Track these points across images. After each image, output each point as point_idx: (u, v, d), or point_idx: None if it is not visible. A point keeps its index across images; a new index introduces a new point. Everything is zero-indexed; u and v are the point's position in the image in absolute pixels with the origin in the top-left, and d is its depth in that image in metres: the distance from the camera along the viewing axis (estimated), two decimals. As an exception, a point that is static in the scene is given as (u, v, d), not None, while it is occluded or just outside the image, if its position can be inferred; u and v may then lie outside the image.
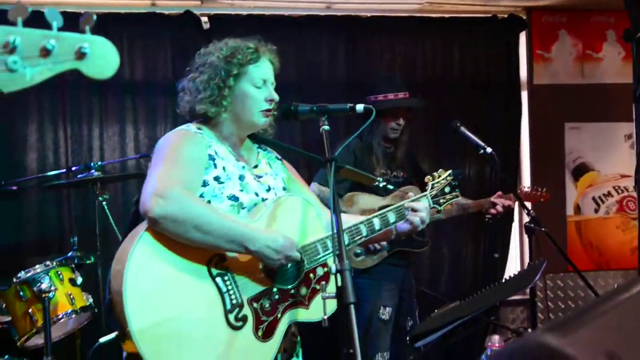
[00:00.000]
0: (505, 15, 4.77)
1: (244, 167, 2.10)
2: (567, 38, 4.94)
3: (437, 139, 4.59)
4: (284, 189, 2.21)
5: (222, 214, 1.90)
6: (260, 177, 2.14)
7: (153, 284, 1.80)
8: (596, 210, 4.92)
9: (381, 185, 2.71)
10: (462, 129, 3.35)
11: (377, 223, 2.18)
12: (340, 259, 1.67)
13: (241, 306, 1.91)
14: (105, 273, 3.53)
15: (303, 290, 2.04)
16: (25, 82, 1.13)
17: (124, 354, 1.92)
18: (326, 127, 1.98)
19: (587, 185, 4.91)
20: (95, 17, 1.21)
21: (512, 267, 4.79)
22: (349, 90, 4.48)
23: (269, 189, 2.12)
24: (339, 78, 4.53)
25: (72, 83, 3.99)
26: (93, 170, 3.55)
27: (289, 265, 2.01)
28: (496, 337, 2.07)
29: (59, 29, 1.19)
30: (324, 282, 1.99)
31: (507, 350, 0.75)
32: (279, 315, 1.98)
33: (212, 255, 1.90)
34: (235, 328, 1.89)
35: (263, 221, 2.01)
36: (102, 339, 2.27)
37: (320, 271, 2.08)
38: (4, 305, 3.04)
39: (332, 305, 1.88)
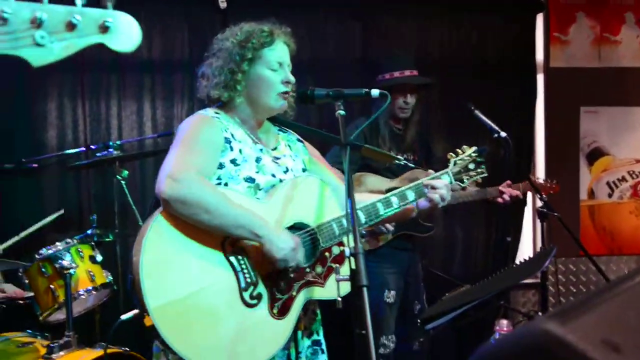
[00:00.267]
0: (523, -4, 4.74)
1: (261, 149, 2.14)
2: (585, 20, 4.90)
3: (450, 121, 4.57)
4: (304, 170, 2.25)
5: (233, 201, 1.94)
6: (278, 158, 2.18)
7: (168, 263, 1.87)
8: (610, 195, 4.92)
9: (402, 163, 2.71)
10: (477, 112, 3.37)
11: (394, 201, 2.20)
12: (355, 243, 1.71)
13: (255, 284, 1.96)
14: (123, 251, 3.61)
15: (319, 269, 2.08)
16: (53, 55, 1.18)
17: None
18: (342, 112, 2.01)
19: (601, 169, 4.90)
20: None
21: (525, 251, 4.82)
22: (363, 71, 4.47)
23: (286, 170, 2.16)
24: (353, 59, 4.53)
25: (90, 61, 4.04)
26: (112, 149, 3.60)
27: (304, 244, 2.05)
28: (504, 322, 2.11)
29: (83, 6, 1.23)
30: (337, 265, 2.03)
31: (511, 336, 0.79)
32: (294, 293, 2.02)
33: (226, 235, 1.95)
34: (250, 306, 1.94)
35: (279, 201, 2.05)
36: (123, 316, 2.33)
37: (336, 250, 2.12)
38: (26, 281, 3.11)
39: (345, 287, 1.92)
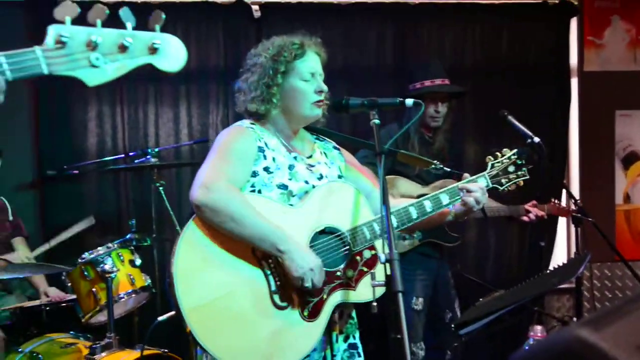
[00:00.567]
0: (557, 1, 4.70)
1: (295, 157, 2.20)
2: (620, 23, 4.85)
3: (484, 127, 4.57)
4: (340, 177, 2.29)
5: (260, 213, 1.99)
6: (312, 166, 2.23)
7: (200, 267, 1.95)
8: (646, 200, 4.86)
9: (438, 167, 2.71)
10: (510, 117, 3.34)
11: (428, 205, 2.21)
12: (390, 249, 1.75)
13: (286, 287, 2.01)
14: (160, 255, 3.70)
15: (350, 273, 2.11)
16: (107, 76, 1.27)
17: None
18: (376, 121, 2.04)
19: (637, 174, 4.84)
20: (163, 15, 1.33)
21: (559, 256, 4.78)
22: (397, 78, 4.49)
23: (320, 177, 2.21)
24: (387, 66, 4.56)
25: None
26: (149, 156, 3.70)
27: (335, 248, 2.10)
28: (538, 327, 2.11)
29: (132, 29, 1.32)
30: (373, 271, 2.06)
31: (544, 342, 0.82)
32: (325, 296, 2.06)
33: None
34: (281, 308, 2.00)
35: (312, 206, 2.11)
36: (160, 318, 2.41)
37: (367, 254, 2.15)
38: (69, 285, 3.21)
39: (377, 290, 1.97)
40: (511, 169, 2.35)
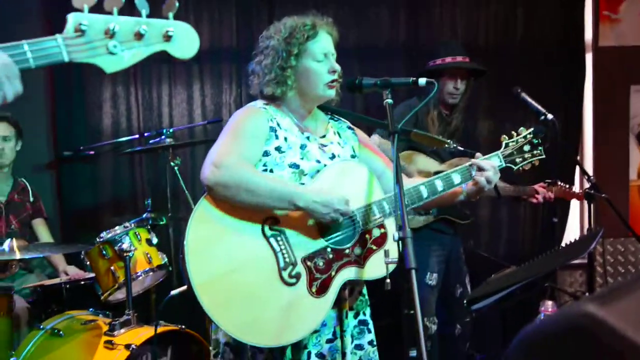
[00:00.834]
0: (572, -24, 4.67)
1: (308, 137, 2.23)
2: (637, -3, 4.80)
3: (498, 104, 4.56)
4: (353, 156, 2.32)
5: (271, 177, 2.05)
6: (325, 145, 2.25)
7: (210, 243, 1.99)
8: (660, 175, 4.84)
9: (452, 147, 2.71)
10: (523, 95, 3.35)
11: (439, 184, 2.23)
12: (403, 227, 1.77)
13: (294, 264, 2.05)
14: (176, 233, 3.76)
15: (357, 250, 2.15)
16: (124, 62, 1.30)
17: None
18: (389, 101, 2.06)
19: (651, 149, 4.83)
20: (177, 4, 1.35)
21: (572, 231, 4.79)
22: (410, 57, 4.50)
23: (333, 157, 2.23)
24: (400, 44, 4.54)
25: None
26: (164, 137, 3.73)
27: (344, 226, 2.13)
28: (549, 303, 2.13)
29: (147, 16, 1.34)
30: (387, 249, 2.09)
31: (553, 317, 0.85)
32: (333, 273, 2.10)
33: (265, 217, 2.05)
34: (289, 284, 2.04)
35: (324, 184, 2.13)
36: (173, 292, 2.47)
37: (376, 232, 2.18)
38: (88, 263, 3.27)
39: (389, 267, 2.03)
40: (526, 148, 2.34)
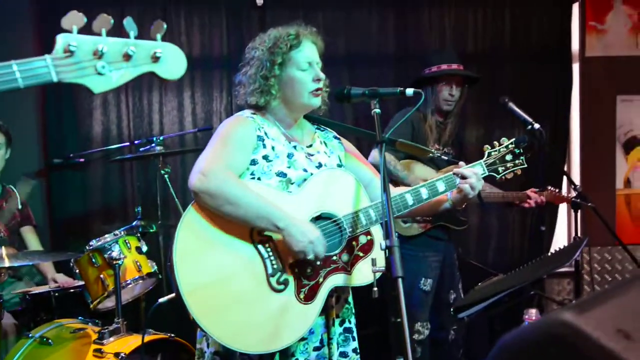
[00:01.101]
0: (558, -14, 4.72)
1: (295, 146, 2.25)
2: (623, 8, 4.87)
3: (486, 112, 4.61)
4: (339, 166, 2.34)
5: (257, 194, 2.05)
6: (312, 155, 2.28)
7: (199, 251, 2.00)
8: (646, 184, 4.90)
9: (436, 156, 2.75)
10: (511, 104, 3.38)
11: (424, 192, 2.26)
12: (390, 236, 1.79)
13: (282, 271, 2.07)
14: (166, 241, 3.76)
15: (345, 257, 2.17)
16: (112, 83, 1.32)
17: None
18: (377, 111, 2.08)
19: (637, 158, 4.87)
20: (165, 25, 1.38)
21: (560, 240, 4.83)
22: (399, 64, 4.54)
23: (319, 166, 2.26)
24: (389, 52, 4.58)
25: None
26: (154, 144, 3.74)
27: (331, 233, 2.15)
28: (533, 311, 2.16)
29: (135, 38, 1.36)
30: (374, 257, 2.12)
31: (532, 325, 0.87)
32: (321, 280, 2.12)
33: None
34: (277, 291, 2.05)
35: (311, 193, 2.16)
36: (161, 299, 2.48)
37: (363, 239, 2.21)
38: (77, 271, 3.27)
39: (370, 276, 2.05)
40: (509, 157, 2.39)
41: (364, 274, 2.17)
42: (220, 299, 1.98)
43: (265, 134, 2.21)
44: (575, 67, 4.81)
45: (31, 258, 3.13)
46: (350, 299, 2.33)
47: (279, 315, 2.04)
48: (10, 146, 3.79)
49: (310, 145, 2.32)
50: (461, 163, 2.34)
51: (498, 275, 2.52)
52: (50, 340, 3.03)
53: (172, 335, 3.04)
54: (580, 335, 0.82)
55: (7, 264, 2.88)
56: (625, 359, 0.79)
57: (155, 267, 3.39)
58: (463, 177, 2.26)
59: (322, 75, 2.24)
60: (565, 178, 4.55)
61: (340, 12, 4.52)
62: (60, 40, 1.24)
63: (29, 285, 3.70)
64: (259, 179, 2.15)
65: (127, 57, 1.30)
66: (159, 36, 1.34)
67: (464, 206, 2.42)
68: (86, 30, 1.27)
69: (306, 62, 2.22)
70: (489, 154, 2.39)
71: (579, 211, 3.38)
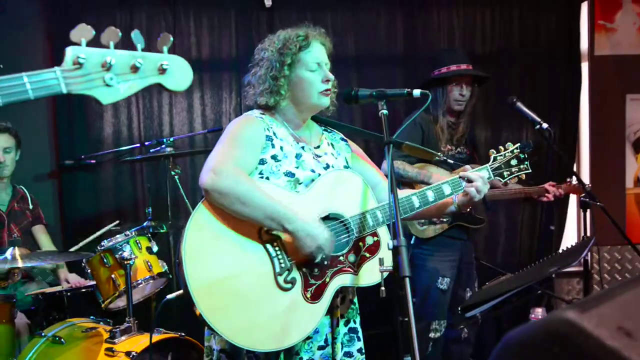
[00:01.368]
0: (567, -15, 4.72)
1: (303, 147, 2.27)
2: (631, 7, 4.85)
3: (495, 111, 4.62)
4: (346, 167, 2.36)
5: (267, 194, 2.06)
6: (319, 156, 2.30)
7: (208, 248, 2.02)
8: (657, 183, 4.88)
9: (441, 160, 2.78)
10: (519, 104, 3.39)
11: (430, 195, 2.28)
12: (397, 236, 1.81)
13: (290, 270, 2.09)
14: (176, 241, 3.78)
15: (351, 258, 2.19)
16: (119, 95, 1.35)
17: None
18: (385, 112, 2.10)
19: (647, 157, 4.87)
20: (172, 38, 1.40)
21: (570, 239, 4.82)
22: (407, 65, 4.55)
23: (327, 167, 2.28)
24: (398, 52, 4.60)
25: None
26: (165, 146, 3.78)
27: (339, 233, 2.16)
28: (539, 310, 2.17)
29: (142, 50, 1.39)
30: (382, 257, 2.13)
31: (535, 324, 0.88)
32: (327, 280, 2.14)
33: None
34: (285, 289, 2.07)
35: (319, 193, 2.17)
36: (169, 296, 2.50)
37: (369, 240, 2.22)
38: (89, 271, 3.31)
39: (377, 276, 2.09)
40: (513, 162, 2.42)
41: (370, 274, 2.19)
42: (228, 297, 2.00)
43: (274, 133, 2.23)
44: (585, 66, 4.80)
45: (44, 259, 3.16)
46: (355, 299, 2.35)
47: (286, 314, 2.06)
48: (19, 148, 3.83)
49: (318, 147, 2.34)
50: (467, 167, 2.35)
51: (506, 275, 2.53)
52: (62, 340, 3.07)
53: (183, 334, 3.07)
54: (582, 333, 0.82)
55: (20, 264, 2.91)
56: (626, 357, 0.80)
57: (166, 267, 3.42)
58: (469, 181, 2.28)
59: (331, 76, 2.26)
60: (574, 177, 4.55)
61: (348, 13, 4.54)
62: (70, 52, 1.27)
63: (40, 285, 3.74)
64: (267, 178, 2.17)
65: (135, 69, 1.32)
66: (165, 48, 1.37)
67: (468, 210, 2.44)
68: (94, 43, 1.29)
69: (315, 62, 2.24)
70: (495, 159, 2.42)
71: (588, 210, 3.39)
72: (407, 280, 1.72)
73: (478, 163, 3.59)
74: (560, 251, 2.13)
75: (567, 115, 4.72)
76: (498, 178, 2.40)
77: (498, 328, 4.09)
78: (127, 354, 2.85)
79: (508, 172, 2.41)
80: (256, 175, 2.18)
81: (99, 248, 3.25)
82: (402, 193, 2.29)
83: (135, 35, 1.33)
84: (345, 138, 2.47)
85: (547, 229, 4.64)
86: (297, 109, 2.28)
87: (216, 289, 1.99)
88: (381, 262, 2.03)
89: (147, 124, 4.40)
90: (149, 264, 3.28)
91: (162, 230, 3.69)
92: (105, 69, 1.29)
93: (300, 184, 2.19)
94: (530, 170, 2.42)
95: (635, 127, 4.85)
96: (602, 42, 4.82)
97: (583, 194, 3.83)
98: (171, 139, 3.80)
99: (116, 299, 3.27)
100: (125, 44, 1.34)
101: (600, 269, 4.62)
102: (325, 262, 2.12)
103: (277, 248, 2.09)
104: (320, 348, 2.21)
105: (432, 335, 3.60)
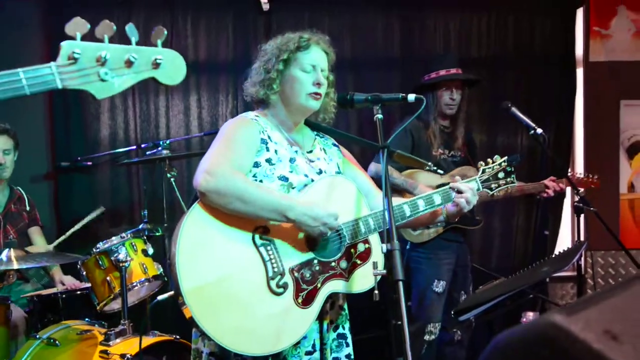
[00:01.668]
0: (562, -9, 4.75)
1: (296, 151, 2.28)
2: (626, 13, 4.89)
3: (490, 117, 4.64)
4: (338, 173, 2.37)
5: (264, 187, 2.09)
6: (312, 161, 2.30)
7: (201, 250, 2.01)
8: (650, 189, 4.91)
9: (432, 169, 2.81)
10: (513, 109, 3.42)
11: (421, 204, 2.30)
12: (391, 240, 1.82)
13: (282, 274, 2.09)
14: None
15: (343, 264, 2.19)
16: (114, 89, 1.35)
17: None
18: (379, 116, 2.12)
19: (641, 163, 4.90)
20: (165, 31, 1.41)
21: (564, 244, 4.84)
22: (404, 68, 4.57)
23: (320, 172, 2.28)
24: (394, 55, 4.62)
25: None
26: (161, 148, 3.78)
27: (331, 239, 2.17)
28: (530, 314, 2.18)
29: (136, 44, 1.40)
30: (375, 260, 2.14)
31: (523, 327, 0.90)
32: (319, 285, 2.14)
33: (256, 226, 2.09)
34: (277, 294, 2.07)
35: (313, 197, 2.17)
36: (160, 297, 2.50)
37: (361, 247, 2.24)
38: (84, 273, 3.31)
39: (370, 281, 2.09)
40: (501, 175, 2.45)
41: (362, 281, 2.20)
42: (219, 299, 2.00)
43: (269, 137, 2.23)
44: (579, 72, 4.83)
45: (39, 260, 3.17)
46: (345, 305, 2.35)
47: (278, 318, 2.06)
48: (17, 149, 3.84)
49: (311, 151, 2.35)
50: (457, 177, 2.38)
51: (500, 279, 2.55)
52: (57, 342, 3.07)
53: (178, 337, 3.07)
54: (569, 337, 0.84)
55: (15, 266, 2.92)
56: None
57: (161, 270, 3.42)
58: (459, 192, 2.31)
59: (323, 81, 2.26)
60: (569, 179, 4.57)
61: (346, 17, 4.56)
62: (65, 47, 1.27)
63: (36, 287, 3.74)
64: (260, 181, 2.18)
65: (129, 63, 1.33)
66: (159, 42, 1.37)
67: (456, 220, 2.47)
68: (89, 36, 1.30)
69: (310, 64, 2.25)
70: (483, 171, 2.45)
71: (582, 215, 3.41)
72: (401, 284, 1.74)
73: (473, 165, 3.61)
74: (553, 256, 2.14)
75: (562, 121, 4.75)
76: (486, 190, 2.43)
77: (490, 332, 4.10)
78: (122, 356, 2.85)
79: (496, 185, 2.44)
80: (250, 178, 2.18)
81: (94, 250, 3.25)
82: (394, 201, 2.30)
83: (130, 29, 1.33)
84: (337, 143, 2.48)
85: (542, 234, 4.66)
86: (287, 109, 2.29)
87: (207, 291, 1.99)
88: (374, 265, 2.04)
89: (143, 126, 4.41)
90: (144, 266, 3.29)
91: (157, 233, 3.69)
92: (100, 64, 1.30)
93: (293, 188, 2.20)
94: (516, 184, 2.46)
95: (630, 133, 4.88)
96: (597, 48, 4.85)
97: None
98: (167, 142, 3.81)
99: (111, 302, 3.27)
100: (121, 41, 1.34)
101: (594, 274, 4.64)
102: (317, 268, 2.12)
103: (270, 252, 2.10)
104: (308, 353, 2.21)
105: (427, 337, 3.61)
